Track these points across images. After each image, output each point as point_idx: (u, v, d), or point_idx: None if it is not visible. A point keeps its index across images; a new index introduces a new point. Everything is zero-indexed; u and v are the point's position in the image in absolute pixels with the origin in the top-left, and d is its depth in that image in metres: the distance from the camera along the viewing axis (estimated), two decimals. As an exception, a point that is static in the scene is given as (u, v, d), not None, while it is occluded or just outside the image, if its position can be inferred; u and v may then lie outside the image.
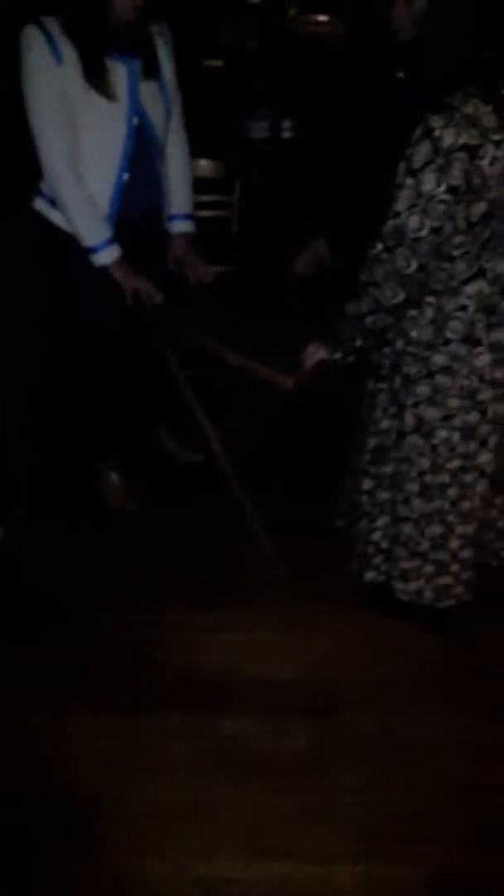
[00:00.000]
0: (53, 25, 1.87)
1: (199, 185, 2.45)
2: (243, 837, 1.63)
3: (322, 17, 4.98)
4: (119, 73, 1.95)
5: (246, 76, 4.65)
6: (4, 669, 1.92)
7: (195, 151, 2.36)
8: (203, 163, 2.85)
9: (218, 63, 4.62)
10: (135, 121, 2.01)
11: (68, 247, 2.07)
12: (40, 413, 2.59)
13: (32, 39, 1.86)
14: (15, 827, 1.64)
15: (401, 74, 2.09)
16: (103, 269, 2.07)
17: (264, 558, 2.28)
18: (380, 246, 1.62)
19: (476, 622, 2.06)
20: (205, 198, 2.75)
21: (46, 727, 1.84)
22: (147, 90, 2.03)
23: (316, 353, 1.80)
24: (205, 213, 2.69)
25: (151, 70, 2.03)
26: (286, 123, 4.59)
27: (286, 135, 4.58)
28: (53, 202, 2.07)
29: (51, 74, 1.87)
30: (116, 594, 2.22)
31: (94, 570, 2.31)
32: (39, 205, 2.13)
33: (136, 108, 2.01)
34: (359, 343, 1.74)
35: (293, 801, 1.70)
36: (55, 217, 2.09)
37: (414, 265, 1.60)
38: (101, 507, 2.55)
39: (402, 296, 1.64)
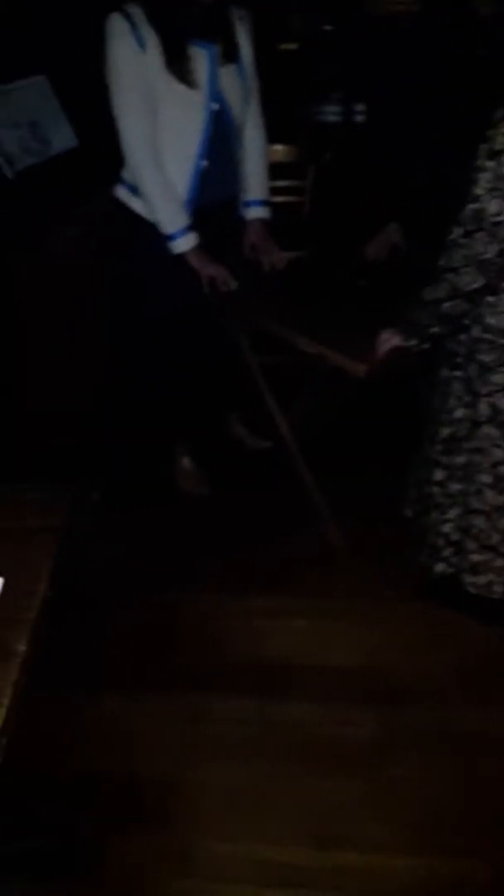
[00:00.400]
0: (138, 13, 1.89)
1: (272, 170, 2.43)
2: (305, 824, 1.64)
3: (397, -4, 4.87)
4: (200, 59, 1.96)
5: (319, 59, 4.58)
6: (72, 655, 1.96)
7: (268, 136, 2.34)
8: (276, 148, 2.83)
9: (292, 46, 4.56)
10: (214, 107, 2.02)
11: (145, 235, 2.09)
12: (112, 397, 2.63)
13: (117, 27, 1.88)
14: (83, 806, 1.68)
15: (481, 53, 2.03)
16: (178, 258, 2.09)
17: (330, 546, 2.28)
18: (458, 230, 1.58)
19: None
20: (278, 183, 2.74)
21: (113, 711, 1.88)
22: (226, 75, 2.03)
23: (390, 340, 1.78)
24: (277, 199, 2.68)
25: (231, 55, 2.03)
26: (359, 107, 4.51)
27: (359, 118, 4.51)
28: (135, 190, 2.09)
29: (134, 62, 1.89)
30: (182, 579, 2.25)
31: (159, 554, 2.35)
32: (121, 193, 2.16)
33: (216, 95, 2.01)
34: (435, 330, 1.71)
35: (354, 790, 1.70)
36: (136, 205, 2.11)
37: (493, 250, 1.56)
38: (168, 492, 2.58)
39: (480, 281, 1.60)
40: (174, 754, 1.78)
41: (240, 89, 2.09)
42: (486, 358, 1.72)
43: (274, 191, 2.49)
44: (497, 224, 1.53)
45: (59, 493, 1.18)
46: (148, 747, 1.80)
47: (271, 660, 2.01)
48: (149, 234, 2.09)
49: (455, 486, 1.90)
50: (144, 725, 1.85)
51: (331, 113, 4.55)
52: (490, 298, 1.66)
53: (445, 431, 1.88)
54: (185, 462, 2.60)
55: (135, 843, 1.62)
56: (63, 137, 2.49)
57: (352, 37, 4.48)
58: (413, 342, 1.75)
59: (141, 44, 1.88)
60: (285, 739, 1.81)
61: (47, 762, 1.73)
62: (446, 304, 1.65)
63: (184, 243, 2.07)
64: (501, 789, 1.69)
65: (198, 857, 1.59)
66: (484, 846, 1.59)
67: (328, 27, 4.65)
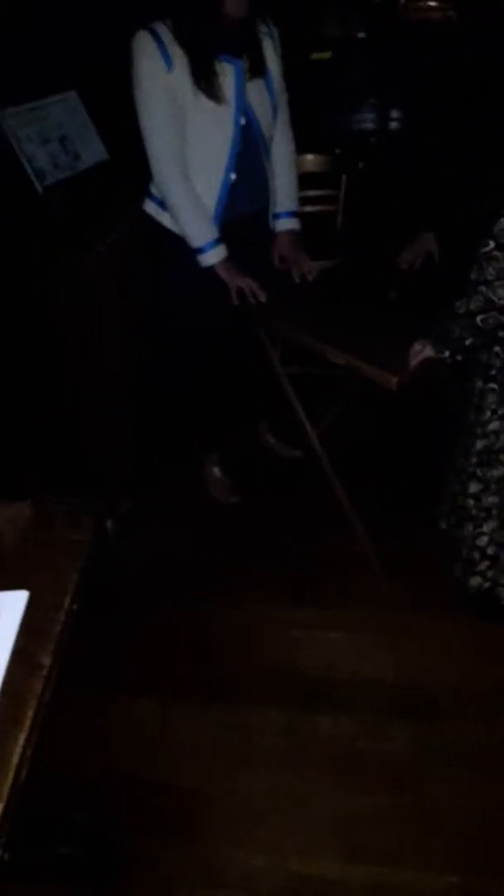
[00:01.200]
0: (164, 31, 1.90)
1: (305, 179, 2.43)
2: (338, 836, 1.63)
3: (432, 3, 4.84)
4: (227, 74, 1.96)
5: (353, 67, 4.58)
6: (105, 663, 1.98)
7: (301, 146, 2.34)
8: (309, 157, 2.83)
9: (325, 55, 4.56)
10: (242, 121, 2.02)
11: (175, 250, 2.11)
12: (146, 409, 2.66)
13: (144, 44, 1.89)
14: (113, 814, 1.69)
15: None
16: (208, 270, 2.10)
17: (363, 557, 2.26)
18: (492, 244, 1.55)
19: None
20: (310, 193, 2.73)
21: (143, 718, 1.89)
22: (254, 89, 2.03)
23: (422, 351, 1.76)
24: (309, 209, 2.67)
25: (258, 68, 2.03)
26: (394, 114, 4.50)
27: (393, 125, 4.49)
28: (163, 205, 2.11)
29: (161, 79, 1.90)
30: (216, 587, 2.25)
31: (192, 563, 2.35)
32: (150, 208, 2.18)
33: (244, 109, 2.01)
34: (468, 342, 1.69)
35: (389, 804, 1.68)
36: (165, 220, 2.13)
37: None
38: (201, 501, 2.59)
39: (514, 294, 1.58)
40: (204, 763, 1.79)
41: (268, 103, 2.09)
42: (520, 369, 1.70)
43: (306, 200, 2.49)
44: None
45: (87, 505, 1.20)
46: (178, 756, 1.81)
47: (305, 671, 2.00)
48: (178, 248, 2.10)
49: (491, 499, 1.88)
50: (175, 734, 1.85)
51: (365, 121, 4.54)
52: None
53: (480, 444, 1.85)
54: (216, 471, 2.61)
55: (164, 853, 1.62)
56: (93, 151, 2.52)
57: (386, 44, 4.47)
58: (446, 354, 1.73)
59: (168, 62, 1.89)
60: (317, 752, 1.80)
61: (76, 769, 1.75)
62: (480, 317, 1.63)
63: (212, 256, 2.08)
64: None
65: (227, 869, 1.59)
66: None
67: (361, 35, 4.64)
